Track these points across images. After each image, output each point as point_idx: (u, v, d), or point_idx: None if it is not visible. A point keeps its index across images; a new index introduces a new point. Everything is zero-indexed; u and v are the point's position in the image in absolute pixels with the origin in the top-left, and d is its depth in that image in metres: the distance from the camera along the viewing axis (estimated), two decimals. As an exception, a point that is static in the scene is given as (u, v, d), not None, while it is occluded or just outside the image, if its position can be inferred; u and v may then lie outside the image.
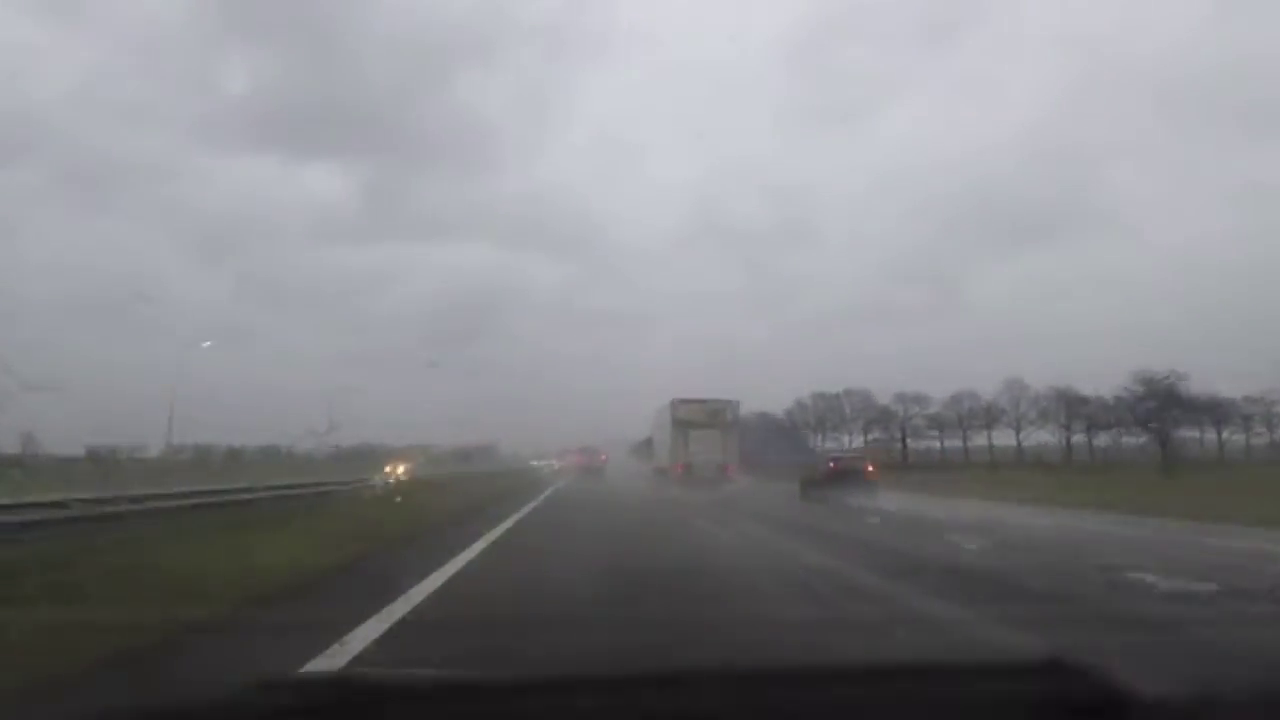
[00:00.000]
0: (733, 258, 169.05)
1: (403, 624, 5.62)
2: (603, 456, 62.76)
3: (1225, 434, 62.52)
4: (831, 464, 27.52)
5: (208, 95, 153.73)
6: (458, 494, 24.20)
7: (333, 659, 4.53)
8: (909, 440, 73.49)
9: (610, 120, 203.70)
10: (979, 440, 70.51)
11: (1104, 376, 67.97)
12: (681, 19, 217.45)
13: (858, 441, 72.06)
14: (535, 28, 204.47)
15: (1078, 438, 66.00)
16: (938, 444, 74.01)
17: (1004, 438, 69.16)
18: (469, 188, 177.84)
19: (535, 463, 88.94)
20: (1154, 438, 57.78)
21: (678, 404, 36.84)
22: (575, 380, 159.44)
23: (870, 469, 27.06)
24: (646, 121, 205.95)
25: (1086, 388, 63.09)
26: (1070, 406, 64.84)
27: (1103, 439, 64.64)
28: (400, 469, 45.54)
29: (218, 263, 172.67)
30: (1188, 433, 60.27)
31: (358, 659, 4.55)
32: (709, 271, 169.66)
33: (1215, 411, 58.99)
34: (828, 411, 76.94)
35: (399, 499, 21.51)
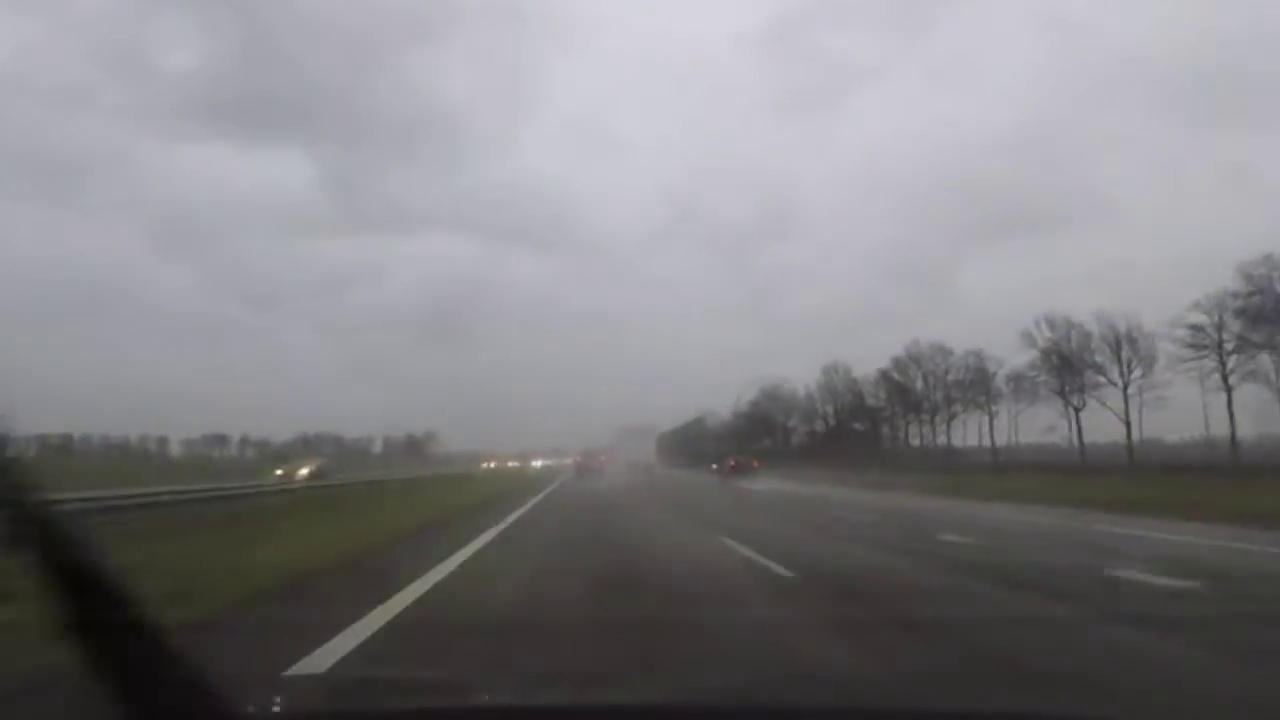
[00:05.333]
0: (721, 252, 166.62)
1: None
2: (601, 458, 61.81)
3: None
4: (731, 461, 46.30)
5: (156, 79, 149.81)
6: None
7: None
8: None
9: (588, 111, 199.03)
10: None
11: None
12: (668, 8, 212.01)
13: None
14: (507, 12, 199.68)
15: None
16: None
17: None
18: (443, 179, 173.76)
19: (538, 464, 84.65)
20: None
21: None
22: (538, 380, 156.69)
23: (755, 464, 46.85)
24: (628, 112, 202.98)
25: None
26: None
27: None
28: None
29: (174, 255, 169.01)
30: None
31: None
32: (695, 267, 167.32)
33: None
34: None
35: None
